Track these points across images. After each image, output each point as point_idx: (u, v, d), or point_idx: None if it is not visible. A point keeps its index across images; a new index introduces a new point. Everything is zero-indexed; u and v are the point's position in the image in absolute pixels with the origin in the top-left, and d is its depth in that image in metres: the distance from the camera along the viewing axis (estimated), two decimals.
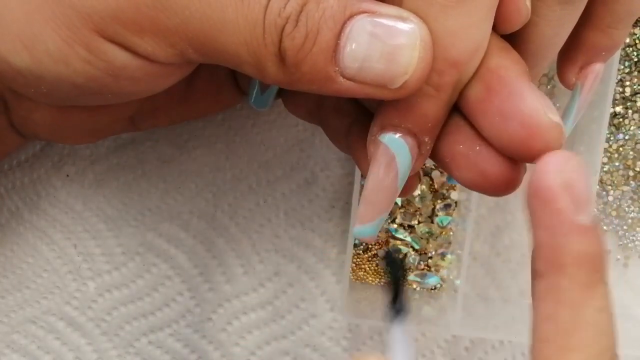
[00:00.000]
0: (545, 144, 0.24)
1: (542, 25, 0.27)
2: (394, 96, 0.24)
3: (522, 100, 0.25)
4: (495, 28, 0.26)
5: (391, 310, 0.27)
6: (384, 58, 0.23)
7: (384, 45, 0.23)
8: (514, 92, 0.25)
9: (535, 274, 0.25)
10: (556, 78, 0.32)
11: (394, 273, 0.27)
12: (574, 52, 0.30)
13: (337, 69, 0.24)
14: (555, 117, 0.25)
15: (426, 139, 0.26)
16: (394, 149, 0.26)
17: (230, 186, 0.40)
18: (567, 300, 0.24)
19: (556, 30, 0.27)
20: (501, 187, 0.26)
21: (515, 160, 0.26)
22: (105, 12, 0.24)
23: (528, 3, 0.26)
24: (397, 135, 0.26)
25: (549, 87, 0.40)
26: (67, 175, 0.40)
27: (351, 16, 0.23)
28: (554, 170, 0.24)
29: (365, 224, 0.27)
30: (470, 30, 0.24)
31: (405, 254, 0.28)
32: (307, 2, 0.23)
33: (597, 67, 0.31)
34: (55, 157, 0.40)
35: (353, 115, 0.30)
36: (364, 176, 0.37)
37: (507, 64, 0.25)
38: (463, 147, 0.26)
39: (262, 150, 0.40)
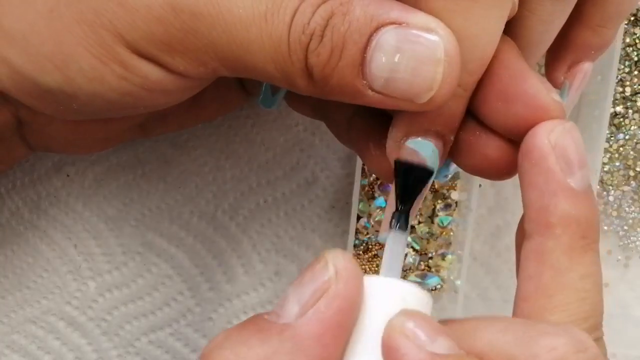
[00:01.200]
0: None
1: (533, 21, 0.27)
2: (422, 109, 0.24)
3: (525, 81, 0.25)
4: None
5: (395, 217, 0.26)
6: (409, 73, 0.23)
7: (409, 60, 0.23)
8: (515, 74, 0.25)
9: (523, 236, 0.25)
10: None
11: (413, 185, 0.26)
12: (562, 50, 0.30)
13: (365, 82, 0.23)
14: (557, 96, 0.25)
15: (451, 138, 0.26)
16: (424, 153, 0.25)
17: (231, 186, 0.40)
18: (550, 261, 0.24)
19: (546, 26, 0.27)
20: (504, 170, 0.26)
21: (516, 142, 0.26)
22: (137, 34, 0.24)
23: None
24: (426, 139, 0.25)
25: None
26: (68, 175, 0.40)
27: (378, 28, 0.23)
28: (545, 131, 0.24)
29: None
30: (499, 28, 0.24)
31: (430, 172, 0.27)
32: (332, 15, 0.23)
33: (586, 66, 0.31)
34: (55, 157, 0.40)
35: (354, 107, 0.30)
36: (366, 169, 0.37)
37: (503, 47, 0.25)
38: (463, 133, 0.26)
39: (263, 150, 0.40)
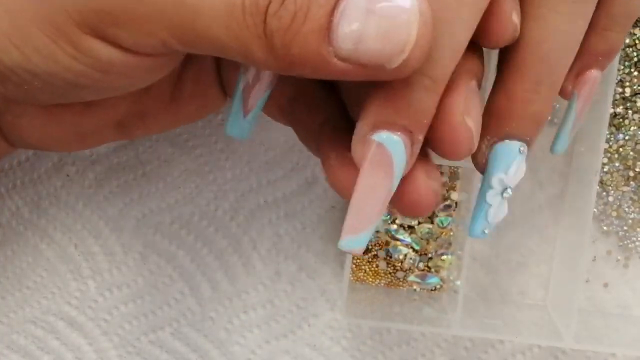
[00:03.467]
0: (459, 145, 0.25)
1: (554, 20, 0.26)
2: (391, 76, 0.22)
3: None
4: (483, 44, 0.26)
5: None
6: (380, 36, 0.21)
7: (380, 22, 0.21)
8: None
9: None
10: None
11: None
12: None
13: (330, 49, 0.22)
14: (470, 121, 0.25)
15: (419, 137, 0.24)
16: (391, 148, 0.24)
17: (231, 186, 0.40)
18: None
19: (567, 25, 0.26)
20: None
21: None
22: (82, 6, 0.23)
23: (515, 18, 0.25)
24: (394, 133, 0.24)
25: None
26: (68, 175, 0.40)
27: None
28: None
29: (355, 235, 0.24)
30: (475, 16, 0.24)
31: None
32: None
33: (594, 74, 0.29)
34: (55, 156, 0.40)
35: (326, 113, 0.29)
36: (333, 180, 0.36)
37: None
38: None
39: (263, 151, 0.40)
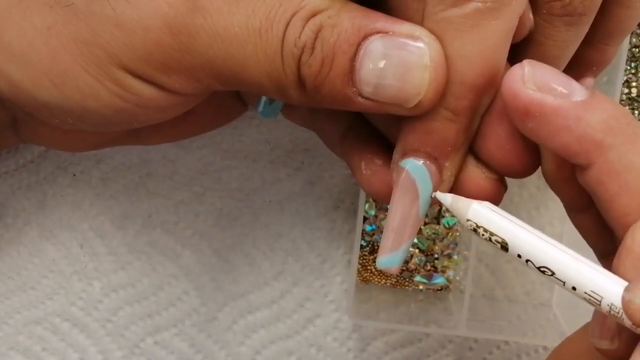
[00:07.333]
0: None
1: (548, 46, 0.27)
2: (412, 113, 0.25)
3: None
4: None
5: None
6: (396, 78, 0.24)
7: (396, 66, 0.24)
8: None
9: (577, 174, 0.24)
10: None
11: None
12: (566, 67, 0.30)
13: (354, 89, 0.24)
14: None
15: (447, 164, 0.26)
16: (414, 174, 0.26)
17: (236, 185, 0.40)
18: (624, 163, 0.23)
19: (561, 51, 0.27)
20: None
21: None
22: (134, 55, 0.25)
23: (530, 15, 0.26)
24: (418, 160, 0.26)
25: None
26: (74, 175, 0.40)
27: (365, 37, 0.24)
28: (518, 85, 0.23)
29: (391, 253, 0.27)
30: (487, 54, 0.24)
31: None
32: (321, 28, 0.24)
33: (587, 82, 0.31)
34: (61, 156, 0.40)
35: (348, 122, 0.30)
36: (357, 184, 0.37)
37: None
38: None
39: (268, 150, 0.40)
